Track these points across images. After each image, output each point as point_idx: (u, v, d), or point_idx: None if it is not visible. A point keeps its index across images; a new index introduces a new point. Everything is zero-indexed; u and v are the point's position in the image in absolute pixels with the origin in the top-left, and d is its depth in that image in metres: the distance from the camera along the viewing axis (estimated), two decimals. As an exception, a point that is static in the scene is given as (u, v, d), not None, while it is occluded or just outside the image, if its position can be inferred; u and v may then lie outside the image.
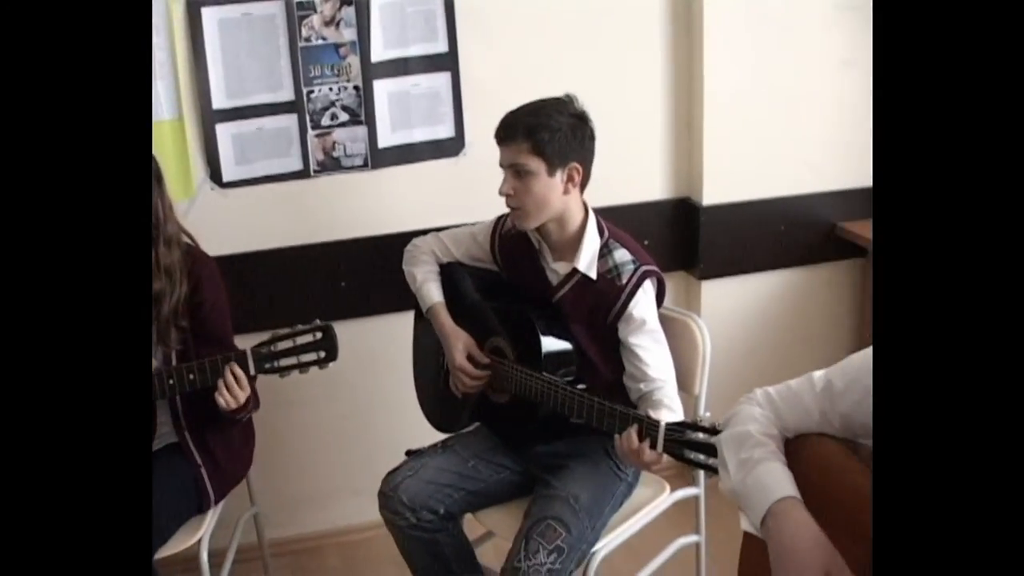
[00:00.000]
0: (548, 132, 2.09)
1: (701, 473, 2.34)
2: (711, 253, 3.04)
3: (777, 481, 1.40)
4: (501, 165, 2.17)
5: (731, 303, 3.13)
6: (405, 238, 2.50)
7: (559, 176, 2.13)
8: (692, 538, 2.44)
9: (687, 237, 3.06)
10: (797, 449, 1.46)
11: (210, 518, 2.33)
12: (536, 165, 2.11)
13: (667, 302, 2.32)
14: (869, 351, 1.39)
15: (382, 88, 2.76)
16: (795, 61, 2.97)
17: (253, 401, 2.27)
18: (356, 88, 2.73)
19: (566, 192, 2.15)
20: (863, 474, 1.34)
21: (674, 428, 1.88)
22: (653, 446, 1.90)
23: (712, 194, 3.00)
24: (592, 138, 2.18)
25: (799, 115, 3.02)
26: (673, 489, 2.36)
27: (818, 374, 1.46)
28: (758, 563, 1.43)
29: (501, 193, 2.17)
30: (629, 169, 2.97)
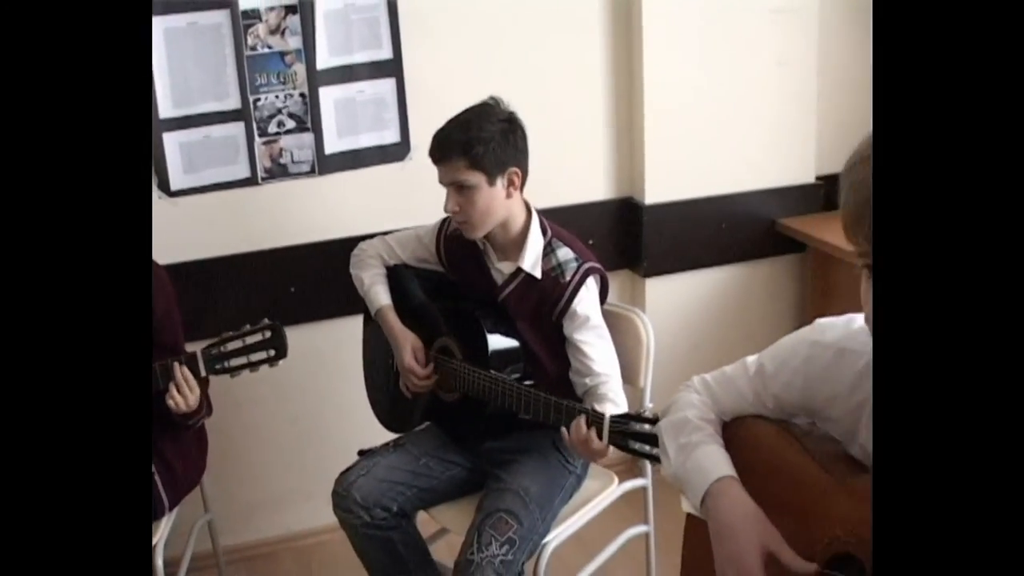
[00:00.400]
0: (482, 145, 2.12)
1: (648, 464, 2.37)
2: (654, 251, 3.10)
3: (715, 463, 1.44)
4: (441, 183, 2.20)
5: (674, 299, 3.18)
6: (353, 242, 2.53)
7: (500, 183, 2.17)
8: (641, 528, 2.47)
9: (630, 236, 3.12)
10: (734, 431, 1.51)
11: (164, 525, 2.33)
12: (476, 179, 2.14)
13: (612, 299, 2.36)
14: (797, 334, 1.46)
15: (328, 95, 2.78)
16: (733, 62, 3.03)
17: (206, 406, 2.29)
18: (302, 95, 2.75)
19: (508, 196, 2.19)
20: (796, 451, 1.40)
21: (618, 420, 1.92)
22: (599, 438, 1.95)
23: (654, 193, 3.05)
24: (524, 137, 2.21)
25: (738, 115, 3.08)
26: (621, 481, 2.40)
27: (751, 359, 1.52)
28: (700, 543, 1.48)
29: (447, 211, 2.20)
30: (572, 170, 3.03)
